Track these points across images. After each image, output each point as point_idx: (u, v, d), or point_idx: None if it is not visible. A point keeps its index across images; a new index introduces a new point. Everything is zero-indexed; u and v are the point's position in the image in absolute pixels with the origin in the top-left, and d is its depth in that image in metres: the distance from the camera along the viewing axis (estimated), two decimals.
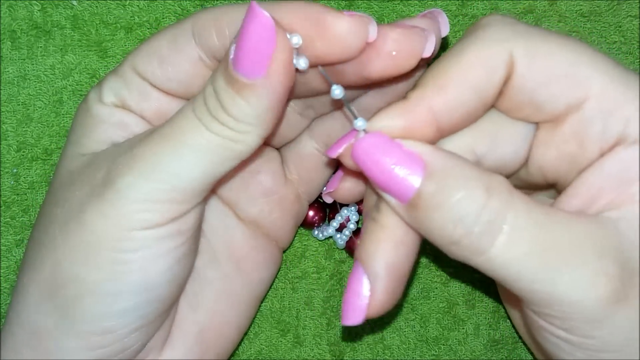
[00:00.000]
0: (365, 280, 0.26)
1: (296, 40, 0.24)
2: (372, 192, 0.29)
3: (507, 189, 0.24)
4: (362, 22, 0.24)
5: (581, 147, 0.26)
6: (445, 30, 0.28)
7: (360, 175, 0.29)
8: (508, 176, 0.28)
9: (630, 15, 0.35)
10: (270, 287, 0.35)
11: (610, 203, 0.25)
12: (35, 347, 0.27)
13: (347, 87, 0.27)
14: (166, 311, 0.29)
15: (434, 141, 0.27)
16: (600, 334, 0.24)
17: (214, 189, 0.31)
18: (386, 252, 0.26)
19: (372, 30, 0.25)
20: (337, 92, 0.25)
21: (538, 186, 0.29)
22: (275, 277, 0.35)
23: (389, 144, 0.25)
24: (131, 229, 0.25)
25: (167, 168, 0.25)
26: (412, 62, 0.26)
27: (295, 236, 0.36)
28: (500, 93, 0.26)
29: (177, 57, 0.28)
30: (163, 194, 0.25)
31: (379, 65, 0.26)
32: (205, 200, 0.28)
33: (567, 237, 0.24)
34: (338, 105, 0.30)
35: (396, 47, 0.25)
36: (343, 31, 0.24)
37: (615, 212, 0.25)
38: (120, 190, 0.25)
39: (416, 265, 0.36)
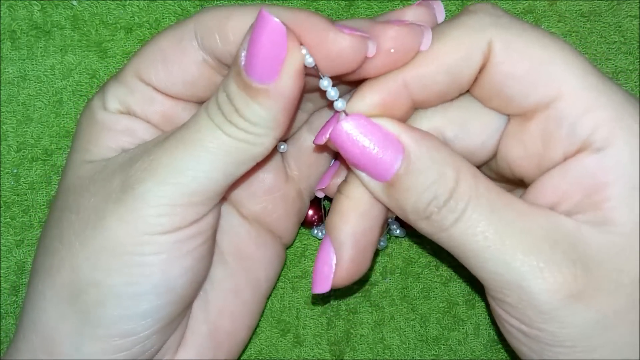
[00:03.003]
0: (333, 249, 0.28)
1: (310, 60, 0.25)
2: (343, 168, 0.30)
3: (472, 174, 0.26)
4: (362, 40, 0.25)
5: (546, 146, 0.26)
6: (441, 18, 0.29)
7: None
8: (478, 166, 0.29)
9: (630, 15, 0.35)
10: (275, 285, 0.35)
11: (575, 207, 0.26)
12: (52, 352, 0.27)
13: (344, 83, 0.27)
14: (185, 311, 0.29)
15: (409, 114, 0.28)
16: (550, 327, 0.25)
17: None
18: (351, 222, 0.28)
19: (372, 47, 0.26)
20: (325, 83, 0.26)
21: (510, 180, 0.30)
22: (280, 274, 0.35)
23: (369, 125, 0.26)
24: (152, 234, 0.26)
25: (186, 172, 0.25)
26: (410, 58, 0.26)
27: (297, 233, 0.36)
28: (475, 80, 0.27)
29: (181, 59, 0.28)
30: (183, 197, 0.26)
31: (378, 63, 0.26)
32: (222, 201, 0.28)
33: (524, 225, 0.25)
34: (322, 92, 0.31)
35: (394, 44, 0.26)
36: (343, 47, 0.25)
37: (581, 217, 0.25)
38: (140, 196, 0.25)
39: (416, 265, 0.36)
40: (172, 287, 0.27)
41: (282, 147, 0.33)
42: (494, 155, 0.29)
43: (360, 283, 0.36)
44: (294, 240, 0.35)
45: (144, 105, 0.29)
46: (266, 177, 0.32)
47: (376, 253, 0.36)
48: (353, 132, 0.26)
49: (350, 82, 0.28)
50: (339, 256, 0.28)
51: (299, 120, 0.32)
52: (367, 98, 0.26)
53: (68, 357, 0.27)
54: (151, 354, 0.28)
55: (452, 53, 0.26)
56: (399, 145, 0.26)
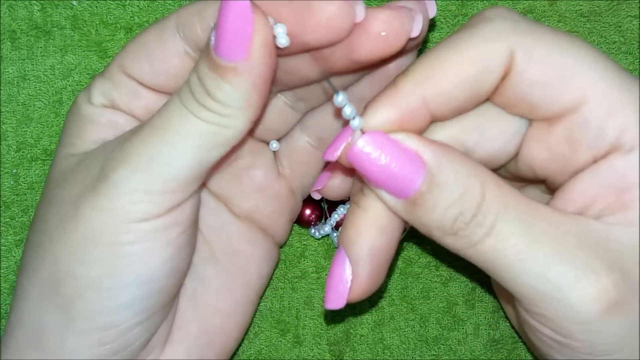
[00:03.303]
0: (348, 264, 0.27)
1: (284, 41, 0.25)
2: (339, 169, 0.29)
3: (498, 184, 0.25)
4: (349, 3, 0.24)
5: (574, 150, 0.26)
6: (432, 12, 0.28)
7: (349, 171, 0.29)
8: (496, 169, 0.29)
9: (630, 15, 0.35)
10: (268, 283, 0.35)
11: (605, 209, 0.25)
12: (39, 348, 0.27)
13: (337, 73, 0.27)
14: (168, 304, 0.29)
15: (425, 128, 0.27)
16: (588, 337, 0.24)
17: (207, 185, 0.32)
18: (369, 237, 0.27)
19: (360, 10, 0.25)
20: (340, 99, 0.25)
21: (527, 180, 0.29)
22: (274, 273, 0.35)
23: (387, 142, 0.25)
24: (128, 222, 0.25)
25: (159, 158, 0.25)
26: (401, 42, 0.26)
27: (291, 231, 0.36)
28: (496, 89, 0.26)
29: (163, 52, 0.28)
30: (157, 184, 0.25)
31: (368, 46, 0.25)
32: (200, 188, 0.28)
33: (555, 234, 0.24)
34: (336, 110, 0.30)
35: (385, 27, 0.25)
36: (330, 13, 0.24)
37: (611, 218, 0.25)
38: (114, 184, 0.25)
39: (416, 265, 0.36)
40: (152, 278, 0.26)
41: (274, 145, 0.33)
42: (513, 158, 0.28)
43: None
44: (288, 239, 0.35)
45: (129, 99, 0.29)
46: (257, 174, 0.32)
47: None
48: (371, 150, 0.25)
49: (342, 72, 0.28)
50: (355, 273, 0.27)
51: (292, 119, 0.32)
52: (383, 114, 0.25)
53: (54, 352, 0.27)
54: (136, 349, 0.28)
55: (473, 65, 0.25)
56: (419, 162, 0.25)
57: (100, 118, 0.29)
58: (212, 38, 0.24)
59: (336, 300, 0.27)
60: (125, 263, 0.26)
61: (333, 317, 0.36)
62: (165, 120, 0.26)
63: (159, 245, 0.26)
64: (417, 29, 0.26)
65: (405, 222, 0.27)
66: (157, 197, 0.25)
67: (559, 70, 0.25)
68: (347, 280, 0.27)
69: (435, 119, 0.27)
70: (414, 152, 0.25)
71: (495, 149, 0.27)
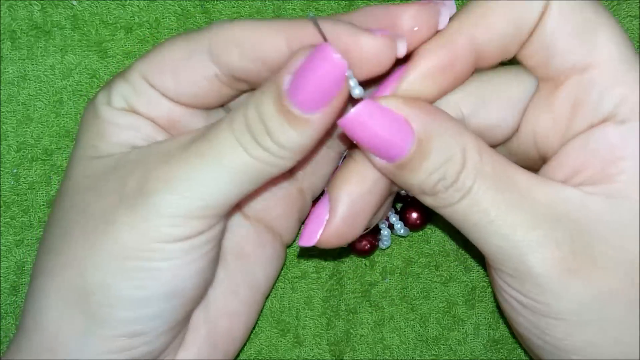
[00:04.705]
0: (327, 205, 0.28)
1: (358, 92, 0.25)
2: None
3: (479, 151, 0.26)
4: (392, 40, 0.25)
5: (574, 113, 0.27)
6: (452, 10, 0.28)
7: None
8: (495, 145, 0.29)
9: (630, 15, 0.35)
10: (274, 284, 0.35)
11: (588, 179, 0.26)
12: (56, 351, 0.27)
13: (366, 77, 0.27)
14: (192, 312, 0.29)
15: (468, 76, 0.27)
16: (546, 299, 0.26)
17: None
18: (352, 183, 0.28)
19: (402, 46, 0.26)
20: (357, 91, 0.25)
21: (529, 160, 0.30)
22: (279, 273, 0.35)
23: (379, 111, 0.26)
24: (163, 242, 0.26)
25: (203, 188, 0.26)
26: (431, 35, 0.27)
27: (297, 232, 0.36)
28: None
29: (191, 73, 0.28)
30: (197, 210, 0.26)
31: (405, 43, 0.26)
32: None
33: (527, 202, 0.26)
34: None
35: (416, 23, 0.26)
36: (376, 49, 0.25)
37: (590, 188, 0.26)
38: (154, 206, 0.26)
39: (416, 265, 0.36)
40: (181, 291, 0.27)
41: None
42: (513, 135, 0.29)
43: (360, 283, 0.36)
44: (295, 240, 0.35)
45: (150, 106, 0.29)
46: None
47: (376, 253, 0.36)
48: (362, 118, 0.25)
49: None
50: (331, 213, 0.28)
51: None
52: (432, 58, 0.26)
53: (72, 356, 0.27)
54: (155, 355, 0.28)
55: (519, 7, 0.26)
56: (408, 129, 0.26)
57: (121, 121, 0.28)
58: (286, 81, 0.25)
59: (308, 238, 0.28)
60: (155, 278, 0.26)
61: (333, 317, 0.36)
62: (215, 149, 0.26)
63: (189, 262, 0.27)
64: (443, 21, 0.27)
65: (392, 184, 0.28)
66: (194, 222, 0.26)
67: (584, 27, 0.26)
68: (323, 220, 0.28)
69: (478, 67, 0.27)
70: (403, 120, 0.26)
71: (493, 120, 0.28)
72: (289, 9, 0.36)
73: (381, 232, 0.35)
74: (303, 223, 0.35)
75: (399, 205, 0.36)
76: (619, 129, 0.26)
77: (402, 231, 0.35)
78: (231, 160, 0.26)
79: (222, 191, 0.26)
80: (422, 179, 0.26)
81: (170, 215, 0.25)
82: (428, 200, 0.27)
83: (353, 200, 0.28)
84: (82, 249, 0.27)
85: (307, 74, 0.24)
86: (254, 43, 0.27)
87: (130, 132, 0.28)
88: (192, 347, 0.30)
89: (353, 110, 0.25)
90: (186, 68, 0.28)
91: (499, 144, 0.29)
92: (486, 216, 0.26)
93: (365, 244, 0.35)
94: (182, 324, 0.29)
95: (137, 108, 0.29)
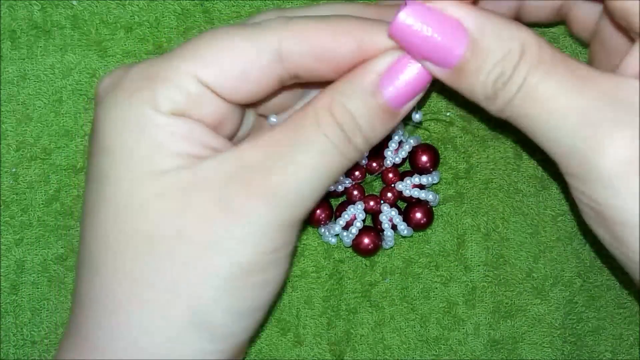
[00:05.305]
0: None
1: (419, 117, 0.30)
2: None
3: (538, 44, 0.25)
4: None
5: None
6: None
7: None
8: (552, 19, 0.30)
9: None
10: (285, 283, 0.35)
11: None
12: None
13: None
14: None
15: None
16: (610, 201, 0.25)
17: None
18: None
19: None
20: (417, 117, 0.30)
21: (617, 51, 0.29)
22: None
23: (428, 13, 0.25)
24: (274, 253, 0.26)
25: (296, 195, 0.26)
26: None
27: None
28: None
29: (259, 73, 0.27)
30: (290, 220, 0.26)
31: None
32: None
33: (589, 96, 0.25)
34: None
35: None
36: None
37: None
38: (256, 221, 0.26)
39: (416, 265, 0.36)
40: (271, 301, 0.28)
41: (272, 119, 0.31)
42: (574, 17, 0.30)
43: (360, 283, 0.36)
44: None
45: (201, 108, 0.27)
46: None
47: (376, 253, 0.36)
48: (412, 22, 0.25)
49: None
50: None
51: (295, 96, 0.31)
52: None
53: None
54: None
55: None
56: (461, 29, 0.25)
57: (175, 129, 0.26)
58: (378, 80, 0.26)
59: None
60: (266, 288, 0.27)
61: (333, 317, 0.36)
62: (309, 156, 0.26)
63: (280, 272, 0.27)
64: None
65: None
66: (287, 230, 0.26)
67: None
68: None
69: None
70: (455, 20, 0.25)
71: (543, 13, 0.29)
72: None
73: (385, 232, 0.35)
74: (308, 224, 0.35)
75: (402, 205, 0.36)
76: None
77: (405, 232, 0.35)
78: (325, 164, 0.26)
79: (315, 197, 0.26)
80: (482, 80, 0.26)
81: (277, 224, 0.26)
82: (493, 107, 0.26)
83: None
84: (187, 272, 0.26)
85: (408, 79, 0.26)
86: (326, 45, 0.26)
87: (185, 142, 0.26)
88: None
89: (400, 14, 0.25)
90: (254, 68, 0.26)
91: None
92: (547, 109, 0.25)
93: (368, 243, 0.35)
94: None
95: (189, 110, 0.26)
